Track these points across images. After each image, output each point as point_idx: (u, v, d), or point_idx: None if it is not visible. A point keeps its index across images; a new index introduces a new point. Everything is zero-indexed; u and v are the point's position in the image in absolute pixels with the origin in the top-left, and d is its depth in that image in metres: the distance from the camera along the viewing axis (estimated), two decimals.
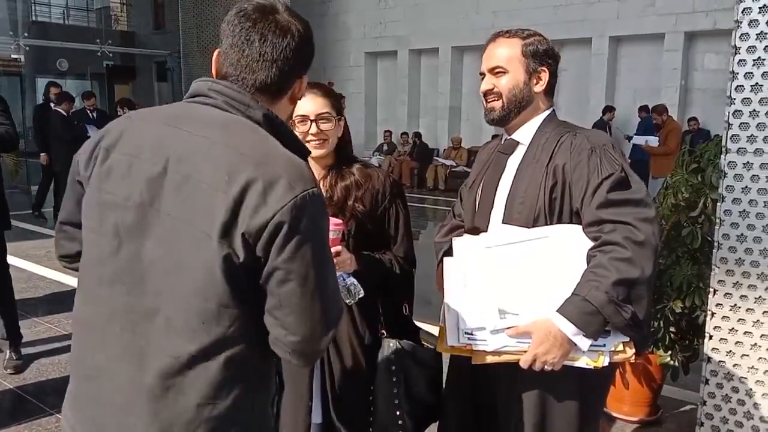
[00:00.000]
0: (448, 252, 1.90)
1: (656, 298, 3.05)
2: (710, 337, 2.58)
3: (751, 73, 2.39)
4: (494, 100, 1.84)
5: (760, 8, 2.34)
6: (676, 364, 3.05)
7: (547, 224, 1.75)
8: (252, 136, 1.17)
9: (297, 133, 1.92)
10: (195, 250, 1.10)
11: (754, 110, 2.39)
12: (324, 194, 1.95)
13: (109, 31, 22.13)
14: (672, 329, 3.05)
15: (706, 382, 2.60)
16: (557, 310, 1.63)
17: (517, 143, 1.86)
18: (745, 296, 2.48)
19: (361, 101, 16.57)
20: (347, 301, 1.85)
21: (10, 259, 6.45)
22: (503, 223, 1.80)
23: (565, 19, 12.96)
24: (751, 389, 2.52)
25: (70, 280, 5.36)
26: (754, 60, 2.38)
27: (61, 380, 1.09)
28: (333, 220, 1.79)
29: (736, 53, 2.40)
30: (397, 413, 1.95)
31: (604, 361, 1.68)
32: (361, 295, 1.83)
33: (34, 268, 6.17)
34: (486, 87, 1.85)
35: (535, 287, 1.70)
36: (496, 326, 1.69)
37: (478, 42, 1.96)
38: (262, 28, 1.21)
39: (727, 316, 2.53)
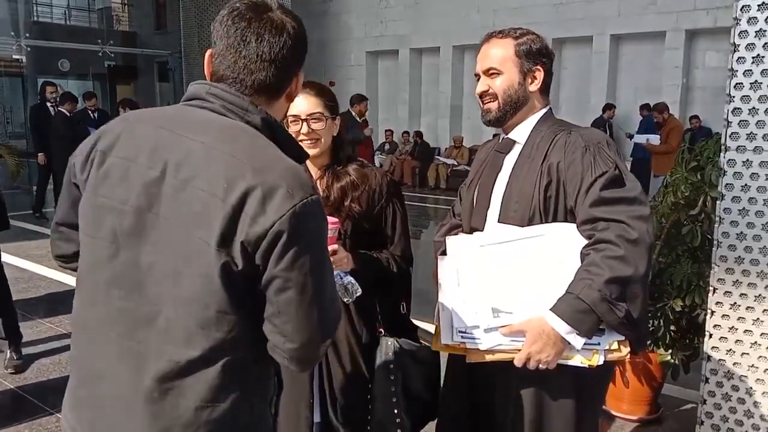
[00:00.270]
0: (444, 251, 1.90)
1: (656, 297, 3.05)
2: (710, 336, 2.57)
3: (750, 70, 2.38)
4: (490, 102, 1.84)
5: (758, 6, 2.33)
6: (677, 362, 3.05)
7: (542, 223, 1.75)
8: (250, 142, 1.16)
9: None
10: (193, 257, 1.10)
11: (754, 108, 2.38)
12: (321, 194, 1.95)
13: (111, 32, 22.18)
14: (672, 328, 3.04)
15: (706, 380, 2.60)
16: (550, 309, 1.63)
17: (514, 142, 1.86)
18: (745, 294, 2.47)
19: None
20: (345, 300, 1.85)
21: (12, 259, 6.50)
22: (499, 222, 1.80)
23: (565, 17, 12.94)
24: (751, 387, 2.51)
25: (71, 280, 5.37)
26: (753, 57, 2.37)
27: (62, 380, 1.10)
28: (329, 219, 1.79)
29: (735, 51, 2.39)
30: (395, 411, 1.95)
31: (598, 359, 1.67)
32: (358, 294, 1.83)
33: (35, 268, 6.18)
34: (481, 89, 1.85)
35: (528, 286, 1.70)
36: (489, 325, 1.68)
37: (479, 41, 1.95)
38: (258, 28, 1.20)
39: (726, 315, 2.53)
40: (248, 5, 1.22)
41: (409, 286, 2.07)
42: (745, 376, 2.51)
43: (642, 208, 1.67)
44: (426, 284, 2.30)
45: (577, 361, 1.67)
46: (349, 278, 1.83)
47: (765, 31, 2.34)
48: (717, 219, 2.50)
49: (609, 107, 11.81)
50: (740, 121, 2.41)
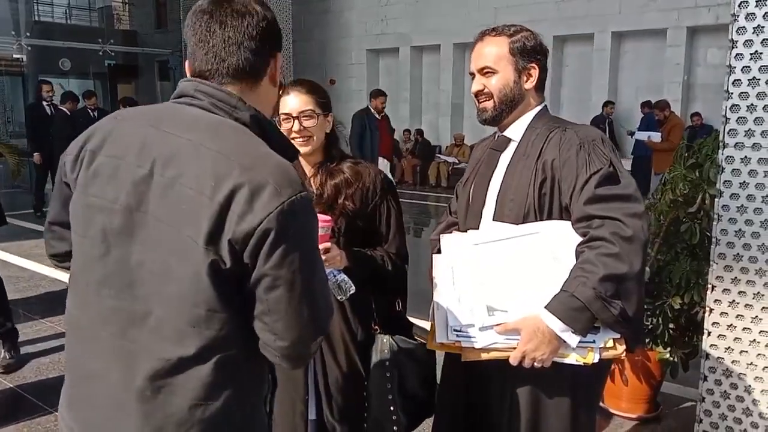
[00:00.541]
0: (440, 249, 1.90)
1: (655, 295, 3.04)
2: (708, 334, 2.56)
3: (748, 67, 2.37)
4: (486, 101, 1.83)
5: (756, 1, 2.32)
6: (676, 360, 3.04)
7: (537, 220, 1.74)
8: (238, 139, 1.16)
9: (283, 131, 1.92)
10: (182, 255, 1.10)
11: (752, 104, 2.37)
12: (314, 192, 1.95)
13: (112, 31, 22.20)
14: (671, 325, 3.03)
15: (705, 378, 2.59)
16: (545, 307, 1.62)
17: (509, 140, 1.85)
18: (744, 292, 2.46)
19: (363, 99, 16.51)
20: (338, 298, 1.85)
21: (13, 259, 6.51)
22: (494, 219, 1.80)
23: (566, 15, 12.91)
24: (749, 385, 2.50)
25: None
26: (751, 54, 2.36)
27: (61, 379, 1.10)
28: (321, 217, 1.79)
29: (733, 47, 2.38)
30: (391, 408, 1.95)
31: (594, 357, 1.66)
32: (352, 292, 1.83)
33: (35, 267, 6.18)
34: (476, 88, 1.84)
35: (523, 284, 1.69)
36: (484, 323, 1.67)
37: None
38: (220, 16, 1.20)
39: (725, 312, 2.52)
40: (210, 0, 1.23)
41: (404, 283, 2.07)
42: (744, 374, 2.50)
43: (637, 205, 1.66)
44: (427, 282, 2.30)
45: (573, 359, 1.66)
46: (343, 276, 1.83)
47: (763, 27, 2.32)
48: (715, 216, 2.49)
49: (607, 104, 11.80)
50: (738, 117, 2.40)
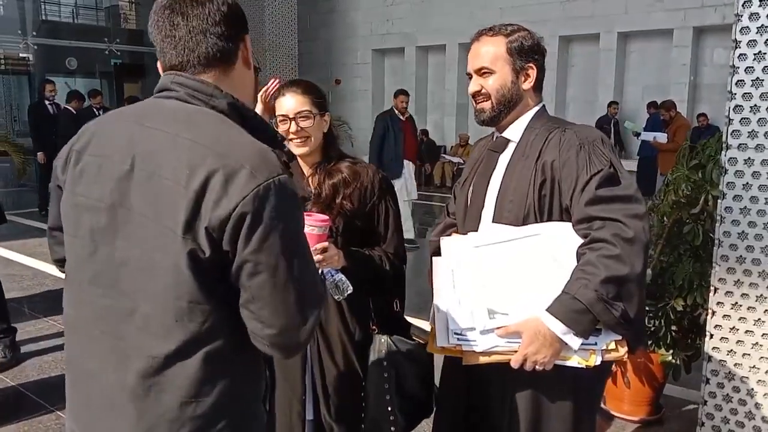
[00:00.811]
0: (439, 251, 1.88)
1: (658, 296, 3.02)
2: (711, 336, 2.54)
3: (752, 67, 2.35)
4: (483, 101, 1.82)
5: (760, 1, 2.30)
6: (678, 362, 3.02)
7: (536, 222, 1.73)
8: (214, 127, 1.15)
9: (280, 133, 1.91)
10: (162, 247, 1.09)
11: (755, 105, 2.35)
12: (312, 191, 1.94)
13: (118, 30, 22.23)
14: (674, 328, 3.01)
15: (707, 381, 2.57)
16: (546, 309, 1.61)
17: (508, 141, 1.84)
18: (747, 294, 2.44)
19: (368, 98, 16.53)
20: (336, 298, 1.85)
21: (17, 257, 6.54)
22: (493, 221, 1.78)
23: (572, 15, 12.86)
24: (752, 389, 2.48)
25: None
26: (754, 54, 2.34)
27: (63, 378, 1.11)
28: (319, 216, 1.79)
29: (736, 47, 2.36)
30: (389, 409, 1.94)
31: (596, 360, 1.65)
32: (349, 292, 1.83)
33: (40, 265, 6.20)
34: (474, 89, 1.82)
35: (524, 286, 1.68)
36: (485, 326, 1.66)
37: None
38: (181, 8, 1.19)
39: (728, 315, 2.50)
40: None
41: (402, 283, 2.06)
42: (747, 377, 2.48)
43: (638, 206, 1.65)
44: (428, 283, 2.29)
45: (574, 361, 1.65)
46: (340, 276, 1.82)
47: (767, 27, 2.30)
48: (718, 218, 2.47)
49: (611, 104, 11.76)
50: (742, 118, 2.38)
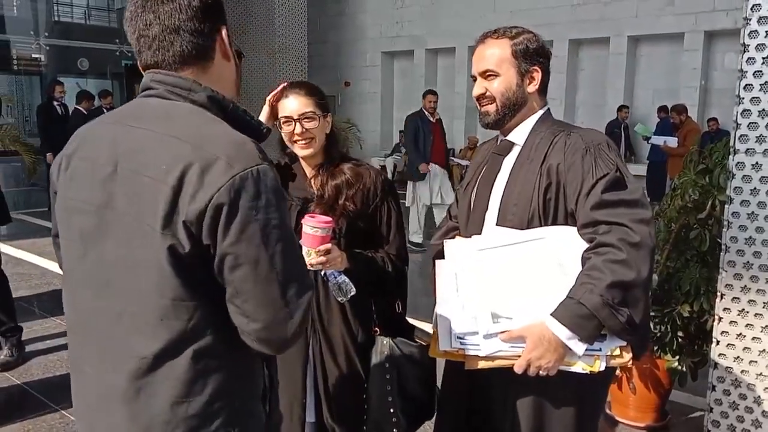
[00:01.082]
0: (442, 254, 1.87)
1: (664, 302, 2.99)
2: (717, 343, 2.52)
3: (761, 71, 2.33)
4: (488, 104, 1.80)
5: None
6: (684, 369, 2.99)
7: (541, 226, 1.71)
8: (192, 121, 1.14)
9: (283, 135, 1.91)
10: (145, 245, 1.08)
11: (764, 110, 2.33)
12: (314, 193, 1.94)
13: None
14: (680, 333, 2.99)
15: (713, 388, 2.55)
16: (551, 314, 1.59)
17: (512, 144, 1.83)
18: (754, 301, 2.42)
19: (378, 101, 16.54)
20: (339, 299, 1.85)
21: (26, 256, 6.57)
22: (497, 225, 1.77)
23: (582, 18, 12.82)
24: (759, 396, 2.46)
25: None
26: (763, 58, 2.32)
27: (68, 377, 1.11)
28: (323, 218, 1.79)
29: (744, 51, 2.35)
30: (391, 411, 1.94)
31: (600, 365, 1.63)
32: (352, 293, 1.82)
33: (48, 264, 6.24)
34: (478, 91, 1.81)
35: (528, 290, 1.66)
36: (488, 331, 1.65)
37: None
38: (152, 6, 1.17)
39: (734, 321, 2.47)
40: None
41: (404, 284, 2.06)
42: (754, 385, 2.46)
43: (644, 210, 1.63)
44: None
45: (579, 367, 1.63)
46: (343, 277, 1.82)
47: None
48: (725, 223, 2.45)
49: (621, 108, 11.70)
50: (749, 123, 2.36)
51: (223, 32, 1.23)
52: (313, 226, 1.75)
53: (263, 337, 1.10)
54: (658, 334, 3.00)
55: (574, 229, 1.69)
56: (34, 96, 19.67)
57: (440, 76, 16.02)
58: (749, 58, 2.34)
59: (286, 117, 1.91)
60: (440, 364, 1.97)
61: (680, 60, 12.13)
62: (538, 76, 1.79)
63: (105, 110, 9.33)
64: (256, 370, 1.24)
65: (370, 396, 1.96)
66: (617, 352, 1.64)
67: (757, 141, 2.35)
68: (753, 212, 2.38)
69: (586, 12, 12.82)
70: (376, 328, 1.98)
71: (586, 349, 1.60)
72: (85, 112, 9.07)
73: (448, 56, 15.41)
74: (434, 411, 2.05)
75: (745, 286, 2.43)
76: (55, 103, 9.31)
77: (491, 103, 1.79)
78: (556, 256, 1.67)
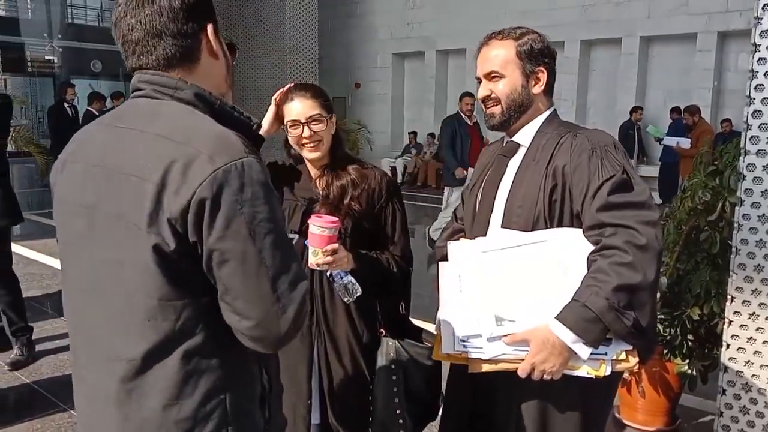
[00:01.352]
0: (446, 257, 1.86)
1: (674, 305, 2.96)
2: (727, 346, 2.49)
3: None
4: (493, 106, 1.79)
5: None
6: (694, 372, 2.96)
7: (546, 227, 1.70)
8: (177, 118, 1.13)
9: (290, 138, 1.91)
10: (131, 245, 1.07)
11: None
12: (320, 193, 1.94)
13: None
14: (690, 337, 2.96)
15: (723, 392, 2.51)
16: (556, 317, 1.58)
17: (518, 145, 1.82)
18: (764, 304, 2.39)
19: (388, 102, 16.56)
20: (345, 300, 1.85)
21: (38, 256, 6.62)
22: (502, 226, 1.76)
23: (594, 19, 12.76)
24: None
25: None
26: None
27: None
28: (329, 218, 1.79)
29: (755, 51, 2.32)
30: (397, 412, 1.93)
31: (606, 370, 1.61)
32: (358, 294, 1.82)
33: (59, 264, 6.27)
34: (483, 93, 1.80)
35: (533, 293, 1.65)
36: (492, 333, 1.63)
37: None
38: (133, 10, 1.16)
39: (745, 325, 2.44)
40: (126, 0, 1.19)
41: (408, 285, 2.05)
42: (764, 389, 2.43)
43: (650, 213, 1.61)
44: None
45: (584, 371, 1.61)
46: (350, 278, 1.82)
47: None
48: (736, 225, 2.42)
49: (635, 110, 11.62)
50: (760, 124, 2.33)
51: (209, 30, 1.21)
52: (320, 226, 1.75)
53: (257, 335, 1.08)
54: (668, 337, 2.97)
55: (579, 231, 1.67)
56: (48, 98, 19.85)
57: (451, 77, 16.00)
58: (760, 58, 2.31)
59: (293, 120, 1.90)
60: (446, 365, 1.96)
61: (693, 60, 12.05)
62: (543, 76, 1.77)
63: None
64: (252, 369, 1.21)
65: (377, 397, 1.95)
66: (623, 356, 1.61)
67: (767, 142, 2.32)
68: (764, 214, 2.35)
69: (598, 12, 12.77)
70: (382, 329, 1.98)
71: (591, 353, 1.58)
72: (96, 113, 9.18)
73: (459, 57, 15.38)
74: (438, 412, 2.04)
75: (756, 289, 2.39)
76: (66, 104, 9.41)
77: (496, 105, 1.78)
78: (561, 258, 1.66)
